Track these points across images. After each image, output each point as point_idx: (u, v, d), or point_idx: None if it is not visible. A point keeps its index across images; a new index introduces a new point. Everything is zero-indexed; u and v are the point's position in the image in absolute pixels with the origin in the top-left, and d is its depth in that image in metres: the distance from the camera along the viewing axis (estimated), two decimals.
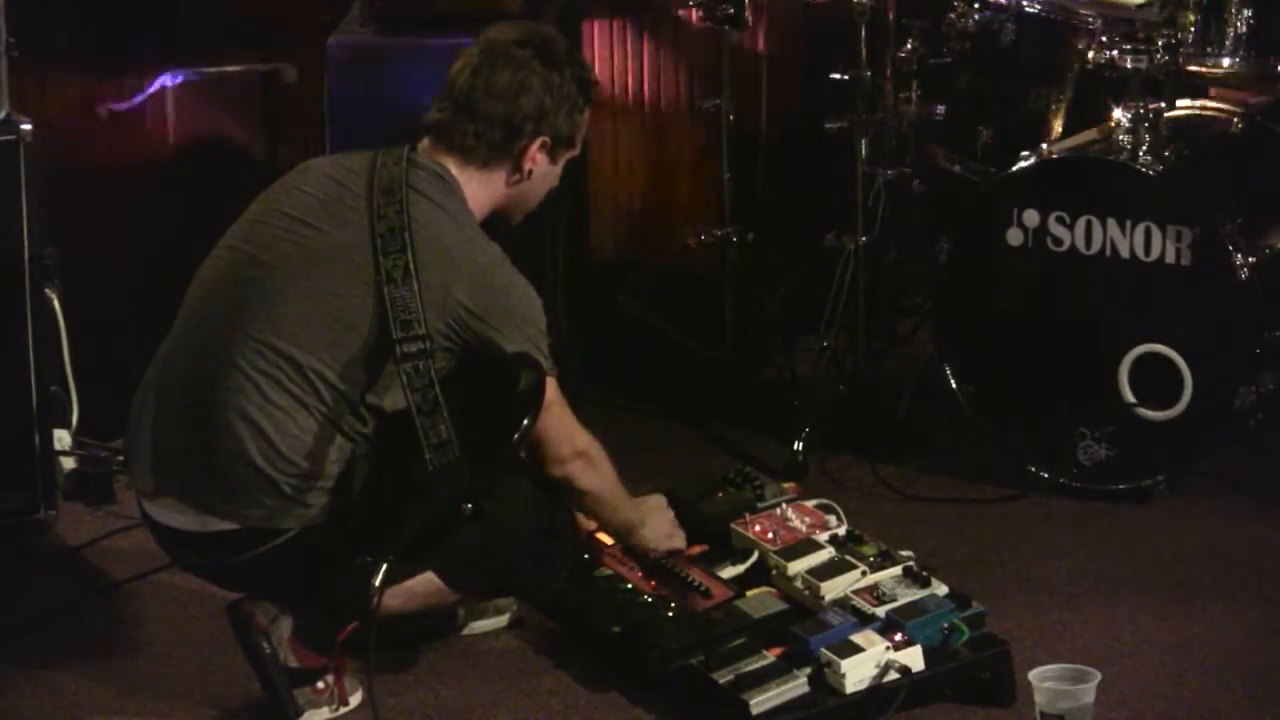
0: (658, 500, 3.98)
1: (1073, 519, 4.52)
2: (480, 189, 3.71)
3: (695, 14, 5.45)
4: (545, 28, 3.89)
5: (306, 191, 3.67)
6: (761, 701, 3.47)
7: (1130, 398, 4.51)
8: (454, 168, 3.69)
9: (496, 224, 3.77)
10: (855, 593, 3.72)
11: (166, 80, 5.15)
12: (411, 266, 3.52)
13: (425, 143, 3.72)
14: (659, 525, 3.92)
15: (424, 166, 3.66)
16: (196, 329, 3.64)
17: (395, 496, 3.49)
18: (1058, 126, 4.92)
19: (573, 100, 3.74)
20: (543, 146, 3.72)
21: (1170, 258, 4.45)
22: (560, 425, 3.67)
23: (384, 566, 3.42)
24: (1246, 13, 4.67)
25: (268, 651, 3.56)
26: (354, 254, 3.55)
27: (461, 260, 3.58)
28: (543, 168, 3.76)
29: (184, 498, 3.57)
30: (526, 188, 3.76)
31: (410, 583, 3.66)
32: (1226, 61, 4.72)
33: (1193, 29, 4.67)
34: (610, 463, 3.80)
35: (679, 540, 3.93)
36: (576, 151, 3.83)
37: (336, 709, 3.66)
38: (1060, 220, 4.55)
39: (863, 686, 3.51)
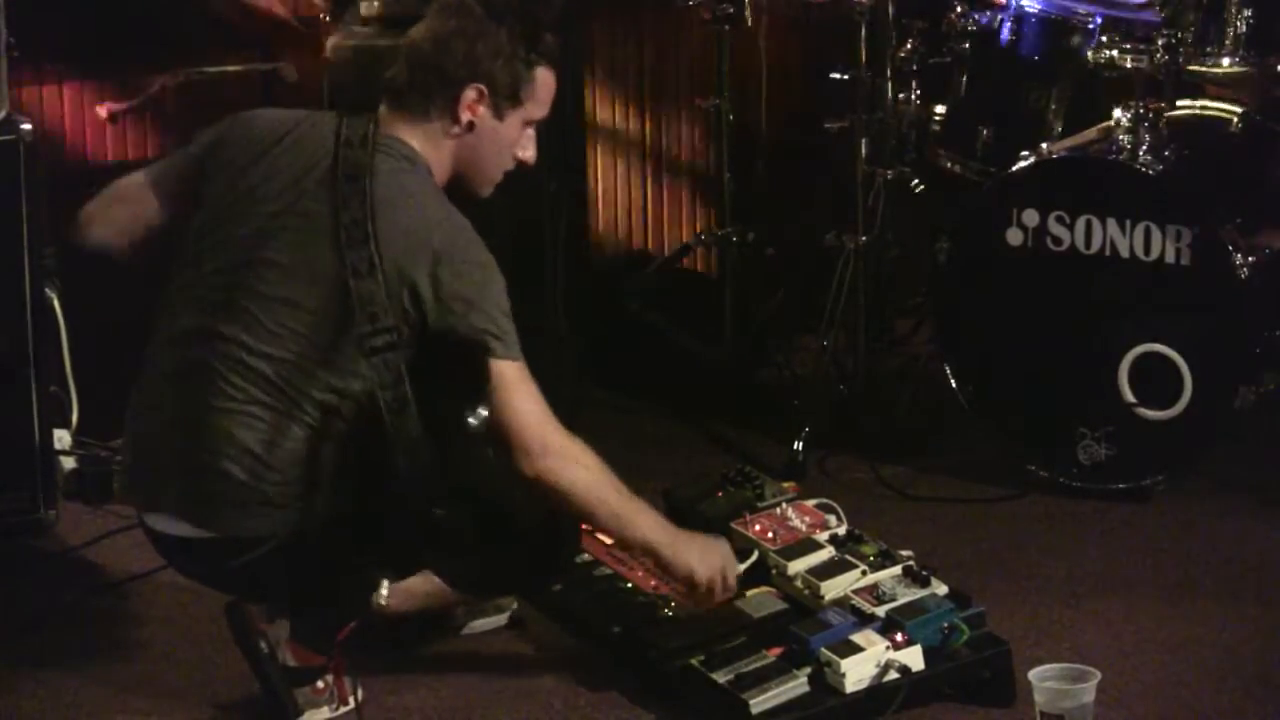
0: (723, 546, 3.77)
1: (1073, 519, 4.52)
2: (433, 151, 3.58)
3: (695, 14, 5.45)
4: None
5: (268, 176, 3.56)
6: (761, 701, 3.46)
7: (1130, 398, 4.51)
8: (407, 134, 3.57)
9: (463, 195, 3.63)
10: (855, 592, 3.72)
11: (167, 80, 5.15)
12: (376, 258, 3.43)
13: (383, 109, 3.61)
14: (711, 557, 3.69)
15: (389, 149, 3.54)
16: (177, 342, 3.57)
17: (375, 500, 3.47)
18: (1058, 126, 4.93)
19: (512, 48, 3.58)
20: (480, 96, 3.58)
21: (1170, 258, 4.45)
22: (523, 414, 3.46)
23: (381, 577, 3.41)
24: (1246, 13, 4.67)
25: (265, 651, 3.55)
26: (320, 249, 3.47)
27: (424, 246, 3.47)
28: (487, 122, 3.59)
29: (179, 512, 3.54)
30: (474, 144, 3.60)
31: (410, 582, 3.65)
32: (1226, 61, 4.72)
33: (1192, 29, 4.67)
34: (600, 464, 3.56)
35: (726, 587, 3.71)
36: (533, 112, 3.64)
37: (336, 708, 3.65)
38: (1060, 220, 4.55)
39: (863, 686, 3.51)
